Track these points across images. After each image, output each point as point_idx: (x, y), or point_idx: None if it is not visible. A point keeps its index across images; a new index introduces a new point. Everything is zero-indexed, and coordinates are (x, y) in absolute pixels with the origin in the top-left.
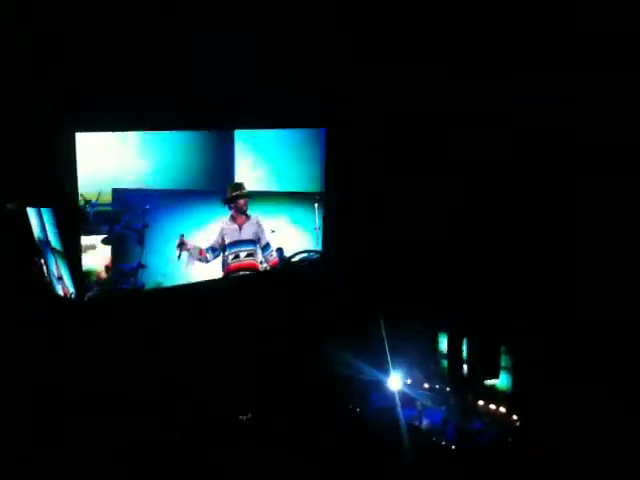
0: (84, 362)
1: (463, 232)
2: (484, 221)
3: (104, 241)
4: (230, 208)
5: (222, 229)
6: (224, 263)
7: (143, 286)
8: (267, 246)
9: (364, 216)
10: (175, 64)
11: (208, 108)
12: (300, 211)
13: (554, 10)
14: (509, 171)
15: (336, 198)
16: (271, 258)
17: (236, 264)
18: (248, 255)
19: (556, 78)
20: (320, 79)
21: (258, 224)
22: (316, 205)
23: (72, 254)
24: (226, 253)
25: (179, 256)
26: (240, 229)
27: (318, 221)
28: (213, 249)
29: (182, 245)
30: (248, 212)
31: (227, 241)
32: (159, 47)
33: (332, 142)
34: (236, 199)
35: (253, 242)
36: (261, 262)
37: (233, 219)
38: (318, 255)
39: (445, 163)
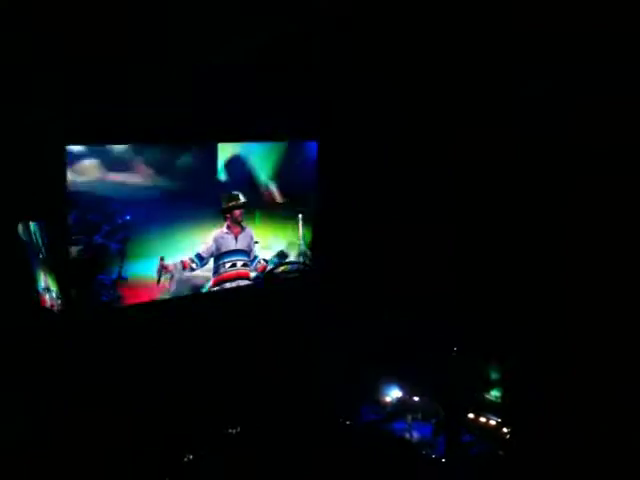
0: (68, 373)
1: (456, 246)
2: (476, 232)
3: (81, 252)
4: (226, 218)
5: (217, 238)
6: (216, 271)
7: (121, 298)
8: (255, 257)
9: (357, 228)
10: (163, 73)
11: (191, 120)
12: (284, 223)
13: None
14: (506, 179)
15: (327, 212)
16: (259, 265)
17: (232, 273)
18: (244, 265)
19: (556, 78)
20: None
21: (251, 236)
22: (300, 217)
23: (60, 266)
24: (220, 262)
25: (158, 281)
26: (236, 239)
27: (302, 233)
28: (201, 257)
29: (163, 269)
30: (244, 223)
31: (223, 250)
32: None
33: (324, 156)
34: (232, 209)
35: (247, 252)
36: (251, 271)
37: (229, 229)
38: (302, 266)
39: (444, 169)
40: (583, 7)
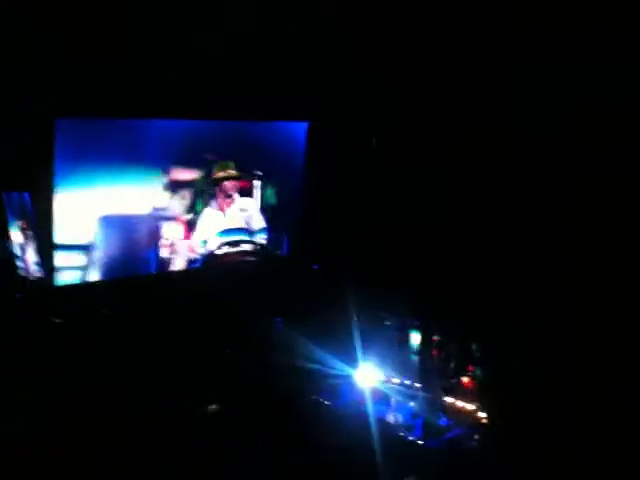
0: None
1: (442, 229)
2: (464, 217)
3: None
4: (216, 191)
5: (206, 216)
6: (209, 255)
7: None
8: (257, 231)
9: (344, 208)
10: (157, 51)
11: (184, 96)
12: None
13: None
14: (505, 179)
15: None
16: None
17: (228, 257)
18: (238, 243)
19: (556, 78)
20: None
21: (242, 208)
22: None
23: (46, 238)
24: (213, 243)
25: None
26: (225, 215)
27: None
28: (202, 243)
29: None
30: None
31: (214, 230)
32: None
33: (315, 137)
34: (222, 181)
35: (244, 230)
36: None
37: (219, 204)
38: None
39: (438, 162)
40: (583, 7)
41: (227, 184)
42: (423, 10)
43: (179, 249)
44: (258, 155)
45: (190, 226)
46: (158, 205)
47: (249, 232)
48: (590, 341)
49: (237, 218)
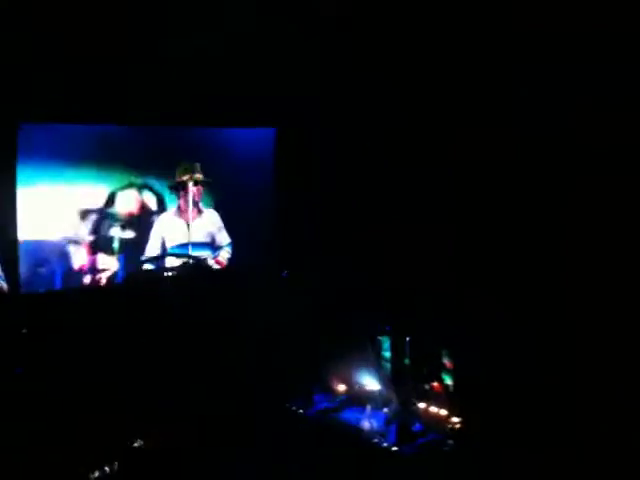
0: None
1: (409, 232)
2: (436, 220)
3: None
4: (178, 197)
5: (162, 227)
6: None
7: None
8: (220, 247)
9: (316, 213)
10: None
11: (151, 103)
12: None
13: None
14: (505, 179)
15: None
16: (222, 259)
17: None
18: (196, 261)
19: (556, 78)
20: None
21: (213, 222)
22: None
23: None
24: (164, 260)
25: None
26: (188, 227)
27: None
28: (151, 258)
29: None
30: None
31: (169, 244)
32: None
33: (283, 143)
34: (186, 185)
35: (207, 245)
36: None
37: (180, 213)
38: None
39: (438, 162)
40: (583, 7)
41: (194, 189)
42: (423, 10)
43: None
44: (226, 161)
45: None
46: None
47: (214, 248)
48: (586, 342)
49: (202, 231)
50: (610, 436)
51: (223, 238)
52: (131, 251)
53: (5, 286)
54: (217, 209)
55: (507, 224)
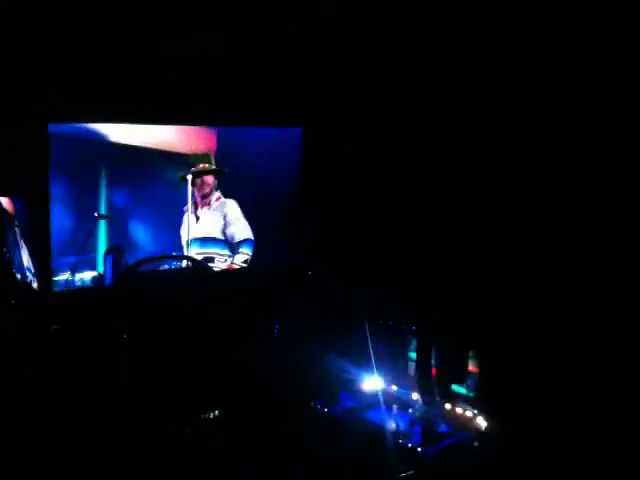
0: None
1: (442, 235)
2: (464, 223)
3: None
4: (193, 193)
5: (183, 223)
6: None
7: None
8: (241, 243)
9: (343, 214)
10: (152, 56)
11: (180, 102)
12: None
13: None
14: (506, 179)
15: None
16: (236, 264)
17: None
18: (206, 260)
19: (556, 78)
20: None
21: (224, 213)
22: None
23: (42, 245)
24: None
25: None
26: (198, 220)
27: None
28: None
29: None
30: (218, 194)
31: (185, 240)
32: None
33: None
34: (198, 176)
35: (215, 241)
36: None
37: (195, 206)
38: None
39: (438, 162)
40: (583, 7)
41: (202, 180)
42: (423, 10)
43: None
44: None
45: None
46: None
47: (228, 245)
48: (592, 342)
49: (210, 224)
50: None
51: (240, 233)
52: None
53: (35, 283)
54: (242, 207)
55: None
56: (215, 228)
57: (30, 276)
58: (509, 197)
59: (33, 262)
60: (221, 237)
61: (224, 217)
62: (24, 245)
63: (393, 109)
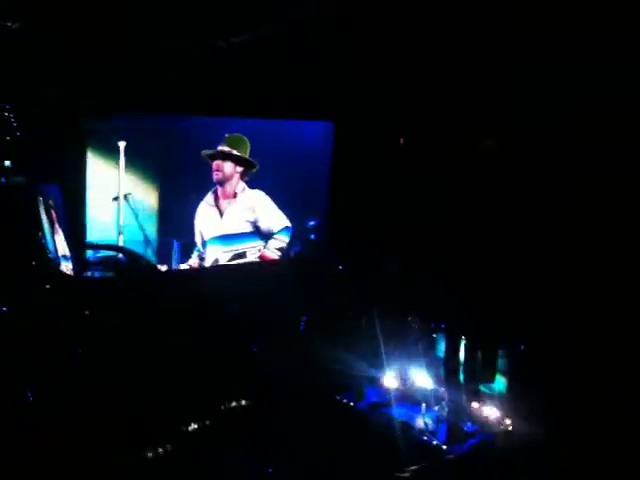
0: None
1: (466, 231)
2: (486, 220)
3: None
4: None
5: (197, 216)
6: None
7: None
8: (275, 233)
9: (365, 210)
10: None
11: (204, 93)
12: None
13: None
14: (506, 179)
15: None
16: (269, 252)
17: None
18: (234, 257)
19: (556, 78)
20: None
21: (250, 207)
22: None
23: (76, 232)
24: (204, 255)
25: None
26: (222, 214)
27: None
28: (198, 250)
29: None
30: (246, 185)
31: (205, 236)
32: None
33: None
34: (211, 159)
35: (245, 235)
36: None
37: (215, 198)
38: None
39: (443, 169)
40: (583, 7)
41: (217, 164)
42: (423, 10)
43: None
44: (287, 152)
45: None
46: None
47: (261, 235)
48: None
49: (238, 220)
50: None
51: (277, 223)
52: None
53: (71, 267)
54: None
55: None
56: (244, 224)
57: (65, 261)
58: (509, 197)
59: (69, 248)
60: (252, 230)
61: (253, 210)
62: (60, 230)
63: (393, 110)
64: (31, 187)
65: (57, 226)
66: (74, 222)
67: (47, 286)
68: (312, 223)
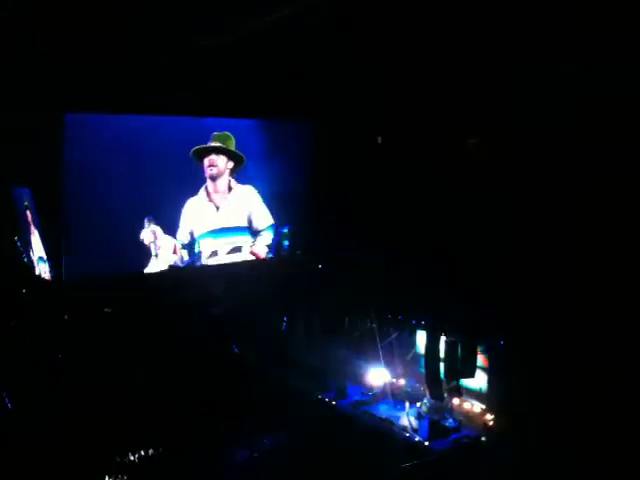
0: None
1: (449, 233)
2: (472, 222)
3: None
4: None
5: (188, 211)
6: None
7: None
8: (263, 230)
9: (345, 209)
10: (164, 50)
11: (189, 92)
12: None
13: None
14: (506, 179)
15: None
16: (258, 250)
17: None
18: (233, 250)
19: (556, 77)
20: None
21: (245, 202)
22: None
23: (52, 235)
24: (197, 249)
25: (157, 255)
26: (218, 209)
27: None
28: (185, 246)
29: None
30: (235, 181)
31: (198, 231)
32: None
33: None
34: (202, 156)
35: (240, 229)
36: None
37: (207, 194)
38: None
39: (444, 161)
40: (583, 7)
41: (211, 160)
42: (424, 10)
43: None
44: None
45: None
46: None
47: (251, 230)
48: (598, 340)
49: (235, 213)
50: None
51: (265, 219)
52: None
53: (48, 270)
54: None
55: None
56: (240, 217)
57: (42, 263)
58: (510, 197)
59: (46, 251)
60: (246, 225)
61: (247, 205)
62: (36, 232)
63: (393, 110)
64: (5, 189)
65: (32, 228)
66: (51, 225)
67: (23, 290)
68: (285, 231)
